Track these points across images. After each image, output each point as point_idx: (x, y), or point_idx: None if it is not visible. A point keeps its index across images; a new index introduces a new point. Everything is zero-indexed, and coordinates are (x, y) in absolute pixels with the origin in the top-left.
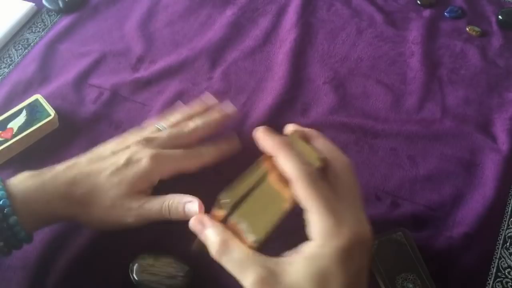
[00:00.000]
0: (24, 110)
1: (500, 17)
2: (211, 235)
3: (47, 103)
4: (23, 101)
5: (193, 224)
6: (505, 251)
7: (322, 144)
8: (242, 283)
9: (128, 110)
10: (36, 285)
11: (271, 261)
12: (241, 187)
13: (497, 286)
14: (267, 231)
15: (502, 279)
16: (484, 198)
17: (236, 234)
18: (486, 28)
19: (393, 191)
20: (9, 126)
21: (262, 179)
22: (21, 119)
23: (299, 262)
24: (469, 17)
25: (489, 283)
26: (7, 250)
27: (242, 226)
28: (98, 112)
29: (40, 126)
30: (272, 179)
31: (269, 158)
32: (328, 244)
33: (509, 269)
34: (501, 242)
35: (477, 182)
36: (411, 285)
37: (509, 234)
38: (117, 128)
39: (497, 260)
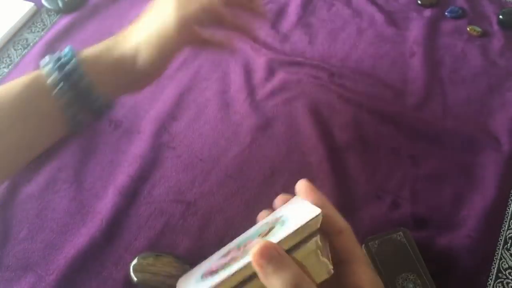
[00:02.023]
0: None
1: (500, 17)
2: None
3: None
4: None
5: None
6: (506, 251)
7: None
8: None
9: (128, 109)
10: (37, 284)
11: None
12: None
13: (497, 286)
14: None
15: (503, 279)
16: (485, 199)
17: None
18: (486, 28)
19: (394, 190)
20: None
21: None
22: None
23: None
24: (469, 17)
25: (489, 284)
26: (92, 117)
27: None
28: None
29: None
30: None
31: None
32: None
33: (510, 270)
34: (501, 242)
35: (478, 182)
36: (411, 285)
37: (510, 235)
38: (117, 128)
39: (497, 260)
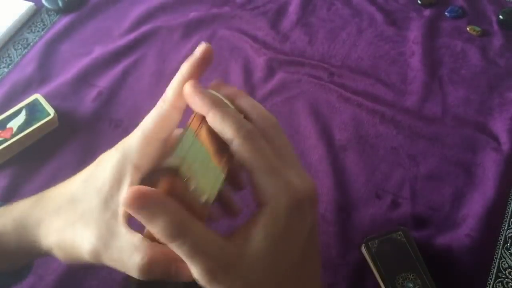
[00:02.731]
0: (24, 109)
1: (500, 16)
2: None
3: (47, 103)
4: (22, 101)
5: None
6: (506, 251)
7: (248, 103)
8: (194, 270)
9: (128, 109)
10: (36, 284)
11: (229, 243)
12: (179, 150)
13: (497, 286)
14: (215, 192)
15: (502, 279)
16: (484, 198)
17: (184, 197)
18: (486, 28)
19: (394, 190)
20: (8, 125)
21: (194, 142)
22: (20, 118)
23: (259, 233)
24: (469, 16)
25: (489, 284)
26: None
27: (192, 185)
28: (98, 111)
29: (39, 126)
30: (204, 141)
31: (200, 117)
32: (283, 205)
33: (509, 269)
34: (501, 242)
35: (478, 182)
36: (411, 285)
37: (509, 234)
38: (117, 127)
39: (497, 260)
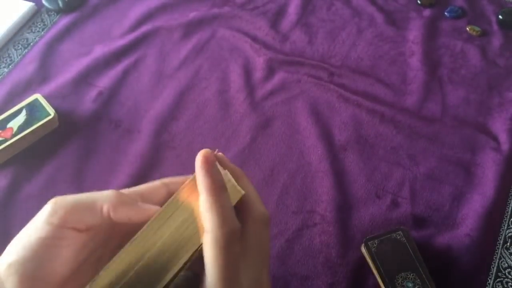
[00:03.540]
0: (24, 109)
1: (500, 16)
2: None
3: (47, 103)
4: (22, 101)
5: None
6: (505, 251)
7: (246, 186)
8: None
9: (128, 109)
10: None
11: None
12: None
13: (497, 286)
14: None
15: (502, 279)
16: (484, 198)
17: None
18: (486, 28)
19: (394, 190)
20: (8, 125)
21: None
22: (20, 118)
23: None
24: (469, 16)
25: (489, 283)
26: None
27: None
28: (98, 111)
29: (40, 126)
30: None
31: (193, 191)
32: None
33: (509, 269)
34: (501, 242)
35: (477, 181)
36: (410, 284)
37: (509, 234)
38: (117, 127)
39: (497, 260)
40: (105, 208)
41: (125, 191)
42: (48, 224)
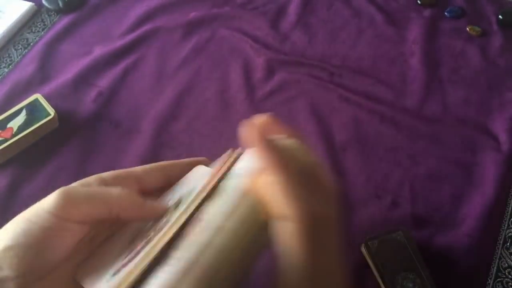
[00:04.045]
0: (24, 109)
1: (500, 16)
2: None
3: (47, 103)
4: (23, 101)
5: None
6: (505, 251)
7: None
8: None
9: (128, 109)
10: None
11: None
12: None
13: (497, 286)
14: None
15: (502, 279)
16: (484, 198)
17: None
18: (486, 28)
19: (394, 190)
20: (8, 125)
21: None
22: (20, 118)
23: None
24: (469, 16)
25: (489, 283)
26: None
27: None
28: (98, 112)
29: (40, 126)
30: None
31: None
32: None
33: (509, 269)
34: (501, 242)
35: (477, 181)
36: (411, 285)
37: (509, 234)
38: (117, 127)
39: (497, 260)
40: (115, 209)
41: (122, 172)
42: (53, 216)
